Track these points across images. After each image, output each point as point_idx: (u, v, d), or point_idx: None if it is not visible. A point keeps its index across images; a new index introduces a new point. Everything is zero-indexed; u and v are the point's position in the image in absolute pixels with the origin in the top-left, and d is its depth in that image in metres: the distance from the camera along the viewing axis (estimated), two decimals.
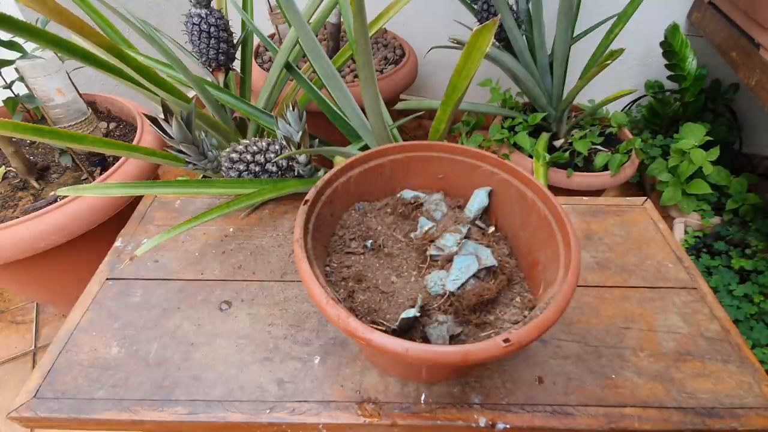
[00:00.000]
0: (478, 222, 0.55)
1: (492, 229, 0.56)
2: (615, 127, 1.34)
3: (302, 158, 0.75)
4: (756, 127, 1.43)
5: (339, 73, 0.79)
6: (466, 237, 0.50)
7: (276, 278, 0.63)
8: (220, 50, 0.88)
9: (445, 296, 0.46)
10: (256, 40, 1.55)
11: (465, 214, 0.55)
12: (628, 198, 0.76)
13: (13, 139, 0.90)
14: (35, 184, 0.96)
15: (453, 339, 0.44)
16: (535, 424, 0.48)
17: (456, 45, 1.13)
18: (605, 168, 1.25)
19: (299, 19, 0.64)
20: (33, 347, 1.15)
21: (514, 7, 1.16)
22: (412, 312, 0.43)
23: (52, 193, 0.93)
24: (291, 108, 0.70)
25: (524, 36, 1.18)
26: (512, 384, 0.52)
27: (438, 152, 0.58)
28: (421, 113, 1.11)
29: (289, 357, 0.54)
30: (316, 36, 0.77)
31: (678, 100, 1.45)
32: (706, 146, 1.21)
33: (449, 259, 0.48)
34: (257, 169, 0.74)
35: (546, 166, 1.21)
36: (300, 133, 0.71)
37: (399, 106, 1.32)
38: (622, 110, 1.62)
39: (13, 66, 0.83)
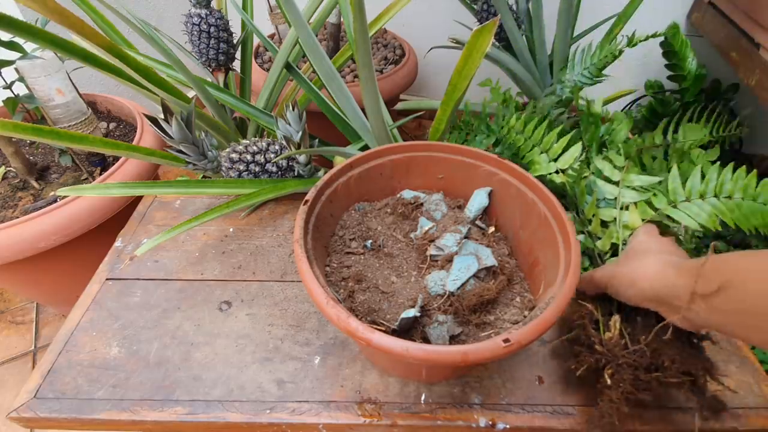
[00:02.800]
0: (478, 222, 0.55)
1: (492, 229, 0.56)
2: None
3: (302, 158, 0.75)
4: (756, 127, 1.43)
5: (339, 73, 0.79)
6: (466, 237, 0.50)
7: (276, 278, 0.63)
8: (220, 50, 0.88)
9: (445, 296, 0.46)
10: (256, 40, 1.55)
11: (465, 214, 0.55)
12: None
13: (13, 139, 0.90)
14: (35, 184, 0.96)
15: (453, 339, 0.44)
16: (535, 424, 0.48)
17: (456, 45, 1.13)
18: None
19: (299, 19, 0.64)
20: (33, 347, 1.15)
21: (514, 7, 1.16)
22: (412, 312, 0.43)
23: (52, 193, 0.93)
24: (291, 108, 0.70)
25: (524, 36, 1.18)
26: (512, 384, 0.52)
27: (438, 152, 0.58)
28: (421, 113, 1.11)
29: (289, 357, 0.54)
30: (316, 36, 0.77)
31: (678, 100, 1.45)
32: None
33: (449, 259, 0.48)
34: (257, 169, 0.74)
35: None
36: (300, 133, 0.71)
37: (399, 106, 1.31)
38: (622, 110, 1.62)
39: (13, 66, 0.83)
